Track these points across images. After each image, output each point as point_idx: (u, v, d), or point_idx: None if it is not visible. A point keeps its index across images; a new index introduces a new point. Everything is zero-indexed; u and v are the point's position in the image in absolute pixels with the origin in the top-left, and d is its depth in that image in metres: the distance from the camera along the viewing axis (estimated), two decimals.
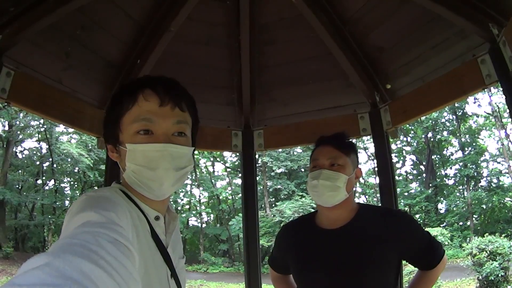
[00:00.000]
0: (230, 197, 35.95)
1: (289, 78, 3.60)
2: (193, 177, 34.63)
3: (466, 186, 31.15)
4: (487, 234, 17.66)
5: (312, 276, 2.16)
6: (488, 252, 14.89)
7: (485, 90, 2.96)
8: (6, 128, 28.12)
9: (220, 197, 35.81)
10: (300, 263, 2.24)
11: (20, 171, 31.81)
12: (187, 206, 36.44)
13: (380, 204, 3.30)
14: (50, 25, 2.63)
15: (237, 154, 3.64)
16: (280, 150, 29.32)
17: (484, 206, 28.98)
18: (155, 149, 1.31)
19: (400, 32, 3.10)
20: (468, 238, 25.53)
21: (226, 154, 35.06)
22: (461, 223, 29.30)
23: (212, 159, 35.93)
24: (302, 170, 32.07)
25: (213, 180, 36.41)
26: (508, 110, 2.46)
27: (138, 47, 3.19)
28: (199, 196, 35.93)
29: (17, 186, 30.36)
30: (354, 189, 2.33)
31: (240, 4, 3.13)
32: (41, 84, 2.70)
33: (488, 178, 30.68)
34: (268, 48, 3.52)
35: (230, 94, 3.64)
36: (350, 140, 2.37)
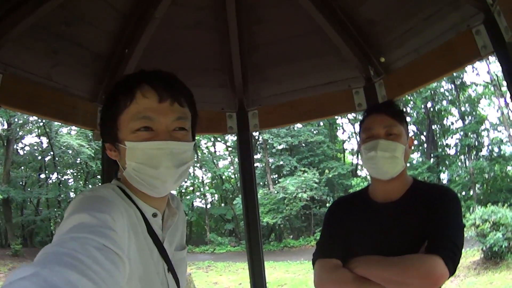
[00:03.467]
0: (233, 176, 36.07)
1: (280, 56, 3.55)
2: (195, 159, 34.79)
3: (467, 155, 31.16)
4: (490, 204, 17.70)
5: (362, 251, 2.02)
6: (491, 222, 14.92)
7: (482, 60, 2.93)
8: (5, 126, 28.14)
9: (223, 177, 36.02)
10: (353, 237, 2.11)
11: (22, 167, 31.90)
12: (191, 188, 36.63)
13: None
14: (34, 24, 2.59)
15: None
16: None
17: (486, 176, 29.00)
18: (156, 146, 1.30)
19: (392, 3, 3.06)
20: (472, 208, 25.64)
21: None
22: (463, 193, 29.40)
23: (212, 139, 35.95)
24: (303, 145, 32.15)
25: (215, 160, 36.55)
26: (505, 81, 2.42)
27: (125, 37, 3.14)
28: (202, 177, 36.09)
29: (21, 182, 30.46)
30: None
31: None
32: (31, 84, 2.68)
33: (489, 147, 30.70)
34: (257, 27, 3.46)
35: (222, 76, 3.59)
36: (401, 108, 2.26)
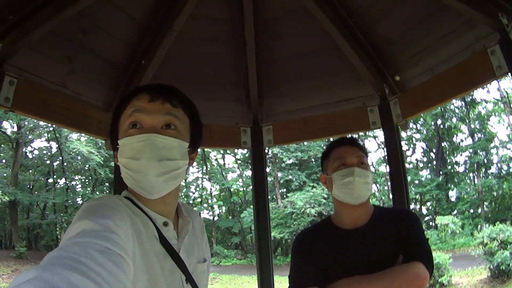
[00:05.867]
0: (241, 189, 36.04)
1: (296, 72, 3.56)
2: (204, 170, 34.84)
3: (476, 173, 31.05)
4: (498, 222, 17.63)
5: (335, 278, 2.08)
6: (499, 241, 14.86)
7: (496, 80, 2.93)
8: (15, 129, 28.36)
9: (231, 190, 35.98)
10: (325, 266, 2.17)
11: (30, 171, 32.12)
12: (199, 200, 36.64)
13: (391, 196, 3.34)
14: (51, 31, 2.61)
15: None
16: None
17: (494, 193, 28.90)
18: (139, 139, 1.32)
19: (408, 22, 3.06)
20: (479, 226, 25.45)
21: None
22: (472, 211, 29.26)
23: (222, 151, 36.03)
24: (313, 160, 32.10)
25: (223, 173, 36.55)
26: None
27: (142, 48, 3.16)
28: (210, 189, 36.18)
29: (28, 186, 30.65)
30: None
31: None
32: (45, 90, 2.69)
33: (499, 164, 30.55)
34: (274, 42, 3.47)
35: (238, 90, 3.60)
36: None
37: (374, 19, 3.18)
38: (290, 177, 31.27)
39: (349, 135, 3.32)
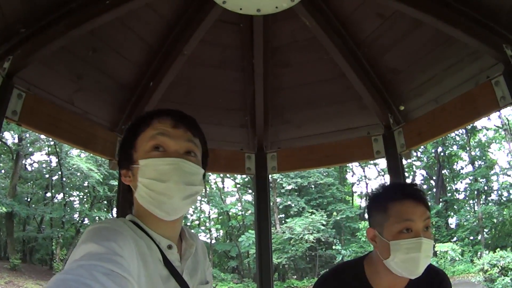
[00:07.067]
0: (240, 214, 35.89)
1: (302, 100, 3.59)
2: (203, 193, 34.71)
3: (476, 200, 30.98)
4: (498, 249, 17.55)
5: None
6: (499, 267, 14.80)
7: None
8: (16, 141, 28.36)
9: (230, 214, 35.82)
10: None
11: (29, 183, 32.01)
12: (197, 222, 36.46)
13: None
14: (62, 47, 2.65)
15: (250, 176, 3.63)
16: None
17: (495, 220, 28.77)
18: (167, 163, 1.37)
19: (414, 54, 3.09)
20: (479, 253, 25.31)
21: None
22: (471, 238, 29.12)
23: (221, 175, 35.98)
24: (312, 186, 32.05)
25: (222, 197, 36.44)
26: None
27: (151, 70, 3.19)
28: (209, 213, 36.03)
29: (26, 198, 30.51)
30: None
31: (254, 26, 3.10)
32: (53, 106, 2.71)
33: (499, 191, 30.47)
34: (282, 70, 3.50)
35: (244, 116, 3.62)
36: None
37: (381, 50, 3.21)
38: (289, 202, 31.36)
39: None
